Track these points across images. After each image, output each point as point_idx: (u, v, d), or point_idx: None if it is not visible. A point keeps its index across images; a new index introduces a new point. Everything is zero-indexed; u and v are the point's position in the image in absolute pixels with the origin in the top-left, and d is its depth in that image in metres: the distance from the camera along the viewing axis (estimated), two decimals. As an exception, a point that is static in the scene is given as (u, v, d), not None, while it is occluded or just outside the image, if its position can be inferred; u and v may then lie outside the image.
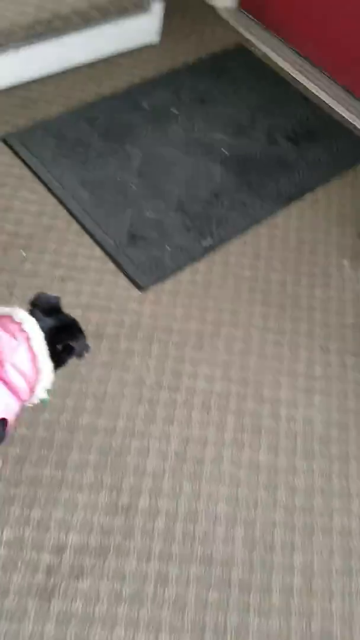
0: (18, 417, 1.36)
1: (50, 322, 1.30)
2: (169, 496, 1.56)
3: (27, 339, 1.25)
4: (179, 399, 1.72)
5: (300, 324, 1.94)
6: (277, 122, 2.48)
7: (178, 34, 2.71)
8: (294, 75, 2.67)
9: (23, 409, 1.37)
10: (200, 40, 2.71)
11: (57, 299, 1.37)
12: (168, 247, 2.03)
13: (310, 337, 1.91)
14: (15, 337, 1.24)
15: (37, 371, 1.27)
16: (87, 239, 2.00)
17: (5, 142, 2.18)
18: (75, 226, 2.02)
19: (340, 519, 1.60)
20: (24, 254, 1.90)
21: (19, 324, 1.25)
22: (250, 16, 2.86)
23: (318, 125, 2.51)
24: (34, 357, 1.25)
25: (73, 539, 1.47)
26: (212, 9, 2.87)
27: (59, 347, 1.31)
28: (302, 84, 2.65)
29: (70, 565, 1.44)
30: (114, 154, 2.24)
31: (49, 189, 2.09)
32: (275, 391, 1.78)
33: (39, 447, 1.57)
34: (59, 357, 1.32)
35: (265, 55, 2.72)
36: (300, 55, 2.74)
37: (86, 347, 1.39)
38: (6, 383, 1.24)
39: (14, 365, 1.23)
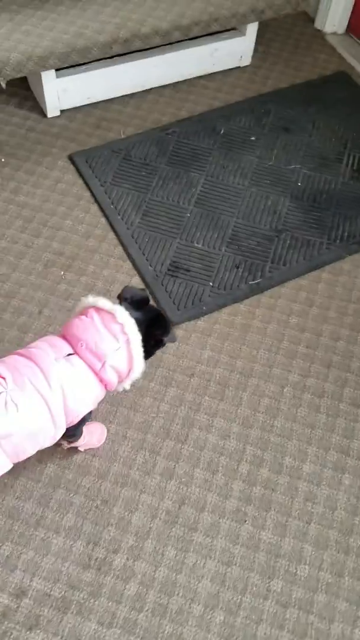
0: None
1: (141, 316, 1.32)
2: (149, 560, 1.40)
3: (128, 342, 1.28)
4: (184, 452, 1.54)
5: (346, 388, 1.68)
6: (366, 157, 2.24)
7: (276, 57, 2.55)
8: None
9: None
10: (299, 65, 2.53)
11: (145, 291, 1.39)
12: (211, 283, 1.87)
13: (354, 406, 1.65)
14: (117, 339, 1.28)
15: (130, 369, 1.31)
16: (128, 264, 1.91)
17: (71, 160, 2.16)
18: (119, 250, 1.94)
19: (341, 627, 1.34)
20: (63, 274, 1.86)
21: (122, 325, 1.27)
22: (358, 42, 2.63)
23: None
24: (130, 359, 1.29)
25: (37, 585, 1.36)
26: (319, 34, 2.67)
27: (152, 342, 1.35)
28: None
29: (27, 614, 1.32)
30: (176, 179, 2.13)
31: (102, 210, 2.03)
32: (299, 462, 1.55)
33: (25, 479, 1.48)
34: (149, 350, 1.35)
35: (368, 83, 2.48)
36: None
37: (174, 338, 1.41)
38: (102, 380, 1.30)
39: (112, 366, 1.28)
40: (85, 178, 2.11)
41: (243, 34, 2.34)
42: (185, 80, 2.41)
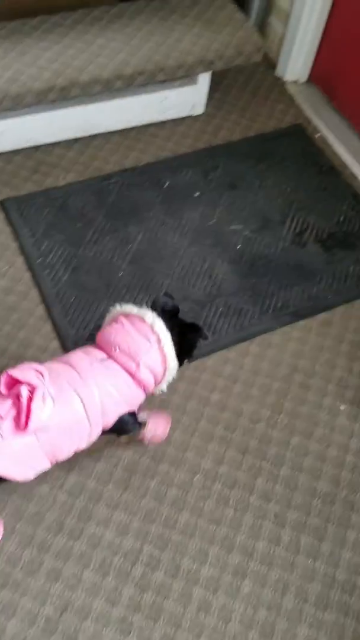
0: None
1: (172, 324, 1.36)
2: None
3: (159, 340, 1.32)
4: (75, 550, 1.41)
5: (258, 479, 1.56)
6: (312, 220, 2.11)
7: (231, 106, 2.43)
8: (352, 168, 2.29)
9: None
10: (254, 116, 2.41)
11: (173, 299, 1.43)
12: (134, 352, 1.76)
13: (264, 499, 1.53)
14: (148, 339, 1.32)
15: (165, 368, 1.35)
16: (48, 326, 1.78)
17: (2, 206, 2.04)
18: (41, 310, 1.81)
19: None
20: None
21: (151, 325, 1.32)
22: (320, 92, 2.53)
23: (360, 230, 2.13)
24: (164, 358, 1.33)
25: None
26: (279, 82, 2.57)
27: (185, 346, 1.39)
28: (357, 179, 2.26)
29: None
30: (112, 233, 2.01)
31: (29, 264, 1.91)
32: (198, 564, 1.42)
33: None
34: (181, 355, 1.38)
35: (323, 138, 2.37)
36: (366, 144, 2.37)
37: (206, 336, 1.45)
38: (139, 381, 1.34)
39: (147, 366, 1.32)
40: (15, 227, 1.99)
41: (195, 82, 2.23)
42: (135, 128, 2.30)
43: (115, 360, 1.33)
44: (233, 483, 1.55)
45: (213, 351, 1.78)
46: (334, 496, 1.55)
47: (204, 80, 2.23)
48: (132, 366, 1.32)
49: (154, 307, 1.38)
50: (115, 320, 1.38)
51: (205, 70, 2.11)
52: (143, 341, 1.32)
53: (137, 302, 1.84)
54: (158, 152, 2.25)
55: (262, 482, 1.56)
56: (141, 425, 1.46)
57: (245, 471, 1.57)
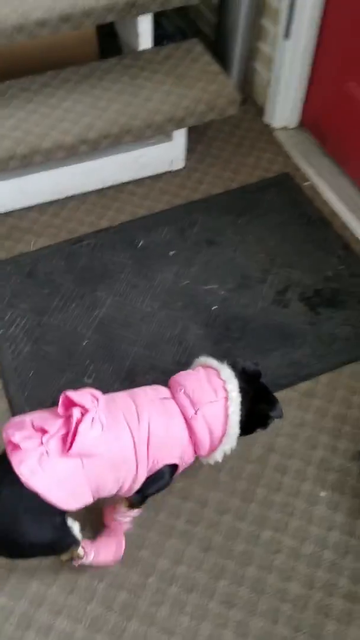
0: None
1: (248, 387, 1.28)
2: None
3: (226, 399, 1.25)
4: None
5: (221, 581, 1.36)
6: (296, 276, 1.93)
7: (214, 158, 2.31)
8: (343, 217, 2.11)
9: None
10: (238, 167, 2.28)
11: (257, 365, 1.36)
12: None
13: (226, 605, 1.32)
14: (216, 393, 1.25)
15: (223, 434, 1.26)
16: (3, 404, 1.66)
17: (-30, 275, 1.97)
18: (-3, 386, 1.71)
19: None
20: None
21: (224, 382, 1.26)
22: (312, 137, 2.39)
23: (350, 287, 1.91)
24: (225, 419, 1.25)
25: None
26: (267, 129, 2.43)
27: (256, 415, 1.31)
28: (349, 228, 2.09)
29: None
30: (79, 299, 1.89)
31: (-10, 337, 1.83)
32: None
33: None
34: (249, 425, 1.31)
35: (313, 187, 2.21)
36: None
37: (281, 414, 1.33)
38: (192, 431, 1.25)
39: (204, 417, 1.24)
40: (-19, 297, 1.92)
41: (170, 139, 2.12)
42: (112, 187, 2.21)
43: (176, 401, 1.27)
44: (191, 586, 1.36)
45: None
46: (306, 600, 1.33)
47: (180, 135, 2.12)
48: (190, 411, 1.25)
49: (234, 367, 1.31)
50: (195, 370, 1.34)
51: (176, 128, 2.00)
52: (210, 392, 1.26)
53: (100, 373, 1.72)
54: (135, 210, 2.15)
55: (225, 584, 1.36)
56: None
57: (207, 572, 1.38)
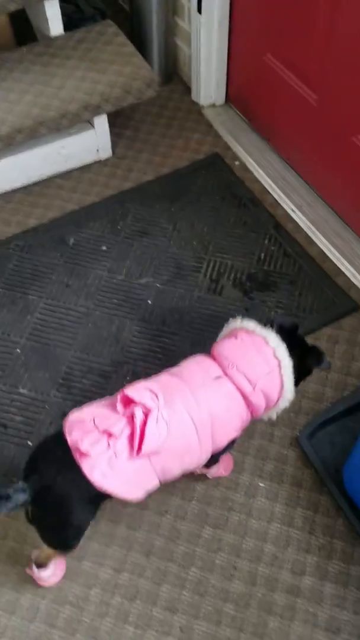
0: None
1: (291, 343, 1.27)
2: None
3: (279, 366, 1.23)
4: None
5: (163, 586, 1.34)
6: (230, 262, 1.87)
7: (143, 144, 2.20)
8: (273, 194, 2.05)
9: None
10: (168, 150, 2.19)
11: (294, 320, 1.36)
12: (29, 442, 1.56)
13: (169, 611, 1.30)
14: (268, 364, 1.23)
15: (279, 397, 1.26)
16: None
17: None
18: None
19: None
20: None
21: (273, 349, 1.23)
22: (238, 114, 2.29)
23: (282, 267, 1.86)
24: (281, 386, 1.24)
25: None
26: (196, 108, 2.33)
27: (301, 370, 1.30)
28: (282, 206, 2.02)
29: None
30: (11, 305, 1.81)
31: None
32: None
33: None
34: (298, 380, 1.30)
35: (243, 166, 2.13)
36: (291, 167, 2.11)
37: (328, 364, 1.36)
38: (249, 404, 1.25)
39: (262, 390, 1.23)
40: None
41: (92, 127, 2.02)
42: (39, 182, 2.10)
43: (230, 379, 1.23)
44: (134, 594, 1.34)
45: (117, 431, 1.58)
46: (248, 598, 1.32)
47: (102, 122, 2.02)
48: (247, 388, 1.22)
49: (272, 327, 1.29)
50: (233, 335, 1.29)
51: (93, 115, 1.90)
52: (262, 364, 1.23)
53: (35, 381, 1.66)
54: (64, 205, 2.04)
55: (168, 589, 1.34)
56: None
57: (149, 578, 1.35)
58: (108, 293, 1.84)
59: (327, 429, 1.52)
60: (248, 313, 1.76)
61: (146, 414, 1.13)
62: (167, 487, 1.45)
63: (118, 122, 2.25)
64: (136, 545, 1.39)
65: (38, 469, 1.15)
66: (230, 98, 2.30)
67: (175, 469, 1.22)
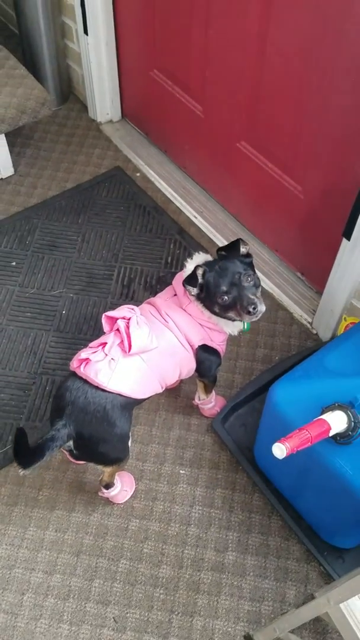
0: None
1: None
2: None
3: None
4: None
5: (95, 581, 1.34)
6: (139, 267, 1.91)
7: (45, 161, 2.20)
8: (175, 202, 2.10)
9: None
10: (70, 166, 2.19)
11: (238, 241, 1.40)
12: None
13: (102, 604, 1.31)
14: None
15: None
16: None
17: None
18: None
19: None
20: None
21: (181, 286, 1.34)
22: (135, 129, 2.35)
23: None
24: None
25: None
26: (94, 124, 2.35)
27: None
28: (184, 213, 2.07)
29: None
30: None
31: None
32: None
33: None
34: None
35: (144, 177, 2.19)
36: (189, 176, 2.18)
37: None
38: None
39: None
40: None
41: (-9, 147, 2.01)
42: None
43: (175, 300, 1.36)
44: (67, 593, 1.33)
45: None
46: (177, 581, 1.34)
47: (0, 143, 2.01)
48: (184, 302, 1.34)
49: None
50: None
51: (-14, 135, 1.89)
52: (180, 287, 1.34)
53: None
54: (-30, 225, 2.03)
55: (99, 584, 1.34)
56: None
57: (80, 576, 1.35)
58: (21, 307, 1.83)
59: (238, 412, 1.59)
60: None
61: (128, 320, 1.27)
62: (94, 487, 1.47)
63: (19, 141, 2.24)
64: (65, 546, 1.39)
65: (65, 402, 1.22)
66: (126, 113, 2.35)
67: (170, 368, 1.33)
